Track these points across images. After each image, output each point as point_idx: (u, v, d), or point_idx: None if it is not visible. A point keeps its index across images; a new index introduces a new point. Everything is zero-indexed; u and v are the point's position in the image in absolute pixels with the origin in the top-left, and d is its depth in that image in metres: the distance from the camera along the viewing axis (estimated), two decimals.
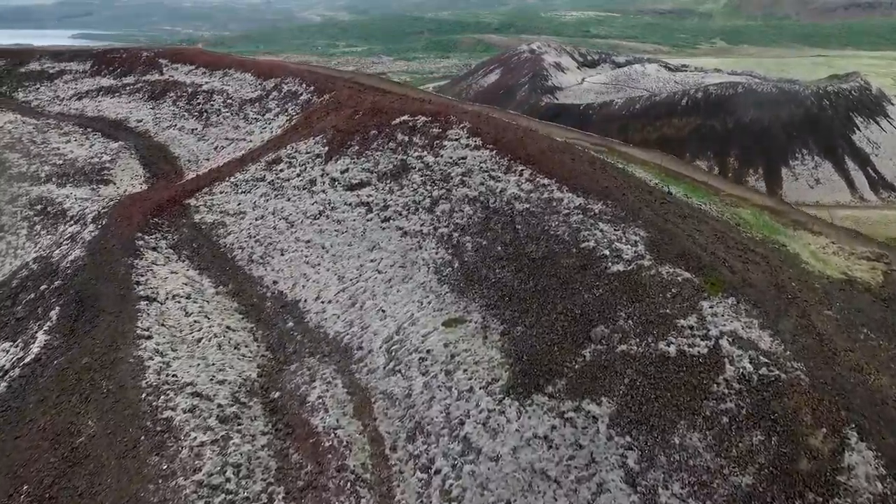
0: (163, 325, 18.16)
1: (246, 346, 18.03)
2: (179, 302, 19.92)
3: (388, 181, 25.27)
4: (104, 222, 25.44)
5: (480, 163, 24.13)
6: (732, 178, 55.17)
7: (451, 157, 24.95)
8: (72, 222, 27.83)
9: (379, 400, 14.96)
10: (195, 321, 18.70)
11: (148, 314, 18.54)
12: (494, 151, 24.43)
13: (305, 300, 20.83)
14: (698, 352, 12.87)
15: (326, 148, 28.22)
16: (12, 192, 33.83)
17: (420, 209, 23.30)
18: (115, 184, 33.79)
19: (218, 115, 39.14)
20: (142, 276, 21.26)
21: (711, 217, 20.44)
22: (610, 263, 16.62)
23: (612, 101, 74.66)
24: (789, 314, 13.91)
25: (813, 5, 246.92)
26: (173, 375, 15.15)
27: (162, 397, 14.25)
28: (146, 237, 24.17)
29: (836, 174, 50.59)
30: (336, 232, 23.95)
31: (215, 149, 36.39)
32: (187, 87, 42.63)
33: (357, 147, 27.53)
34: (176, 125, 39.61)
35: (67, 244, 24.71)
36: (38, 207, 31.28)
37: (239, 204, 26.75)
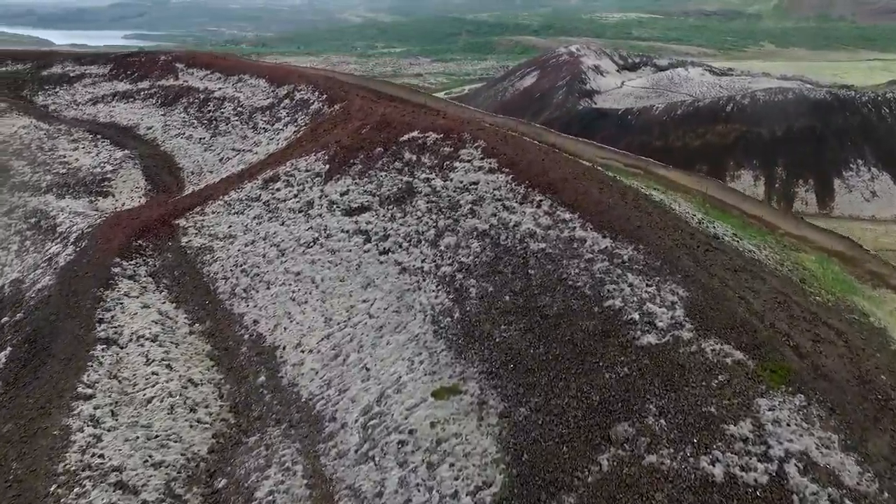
0: (114, 377, 15.81)
1: (205, 408, 15.50)
2: (143, 346, 17.57)
3: (391, 206, 22.47)
4: (84, 244, 23.49)
5: (494, 189, 21.08)
6: (780, 190, 50.73)
7: (461, 182, 21.99)
8: (58, 241, 26.05)
9: (344, 499, 12.14)
10: (153, 372, 16.29)
11: (100, 363, 16.23)
12: (511, 176, 21.34)
13: (284, 347, 18.20)
14: (755, 480, 9.58)
15: (327, 166, 25.64)
16: (11, 203, 32.53)
17: (423, 241, 20.42)
18: (114, 196, 32.12)
19: (227, 124, 37.19)
20: (108, 311, 19.05)
21: (768, 270, 16.83)
22: (639, 332, 13.37)
23: (653, 106, 70.82)
24: (882, 427, 10.47)
25: (871, 6, 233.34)
26: (100, 456, 12.72)
27: (75, 490, 11.80)
28: (124, 263, 22.03)
29: None
30: (329, 264, 21.29)
31: (220, 160, 34.38)
32: (199, 94, 40.92)
33: (360, 166, 24.86)
34: (184, 133, 37.86)
35: (43, 268, 22.84)
36: (32, 221, 29.75)
37: (230, 226, 24.43)
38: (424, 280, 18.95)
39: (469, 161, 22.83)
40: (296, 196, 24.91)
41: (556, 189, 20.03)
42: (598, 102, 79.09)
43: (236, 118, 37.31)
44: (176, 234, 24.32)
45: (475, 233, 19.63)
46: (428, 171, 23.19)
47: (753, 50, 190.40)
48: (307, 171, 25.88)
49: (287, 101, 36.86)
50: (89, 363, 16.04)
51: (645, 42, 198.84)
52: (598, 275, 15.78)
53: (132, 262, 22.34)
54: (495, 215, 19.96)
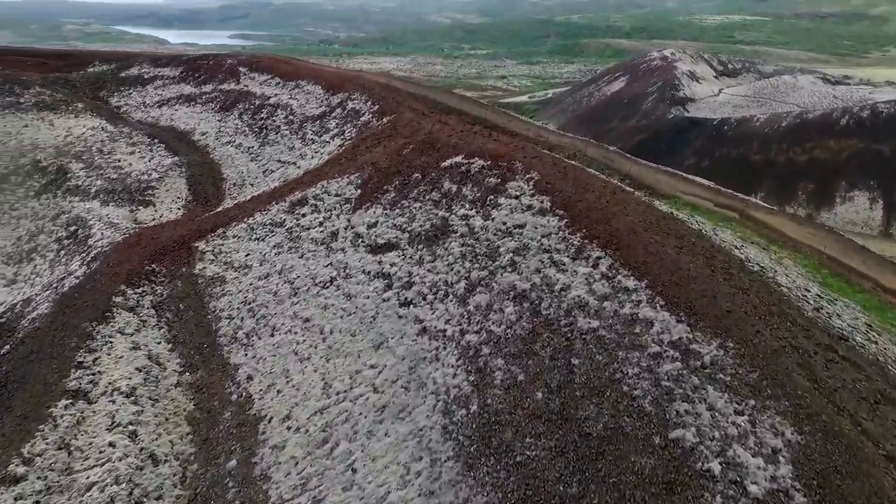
0: (64, 447, 13.50)
1: (156, 501, 12.78)
2: (114, 402, 15.24)
3: (421, 247, 19.03)
4: (96, 266, 21.91)
5: (542, 237, 17.08)
6: None
7: (504, 223, 18.14)
8: (81, 255, 24.89)
9: None
10: (111, 443, 13.84)
11: (55, 426, 14.00)
12: (564, 221, 17.23)
13: (271, 419, 15.23)
14: None
15: (359, 191, 22.63)
16: (60, 208, 32.32)
17: (450, 296, 16.81)
18: (154, 206, 31.00)
19: (276, 133, 35.37)
20: (93, 352, 17.00)
21: None
22: (719, 497, 9.04)
23: (753, 116, 63.85)
24: None
25: None
26: None
27: None
28: (129, 291, 20.11)
29: None
30: (343, 312, 18.19)
31: (264, 172, 32.50)
32: (256, 99, 39.57)
33: (394, 194, 21.61)
34: (234, 141, 36.49)
35: (51, 290, 21.45)
36: (72, 229, 29.11)
37: (247, 255, 22.01)
38: (445, 349, 15.34)
39: (517, 197, 18.93)
40: (321, 224, 22.08)
41: (619, 243, 15.72)
42: (690, 111, 72.85)
43: (286, 127, 35.41)
44: (192, 259, 22.24)
45: (512, 293, 15.75)
46: (468, 205, 19.52)
47: (876, 56, 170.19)
48: (337, 195, 23.01)
49: (339, 110, 34.46)
50: (42, 425, 13.86)
51: (749, 46, 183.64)
52: (666, 382, 11.47)
53: (138, 291, 20.40)
54: (540, 272, 15.97)
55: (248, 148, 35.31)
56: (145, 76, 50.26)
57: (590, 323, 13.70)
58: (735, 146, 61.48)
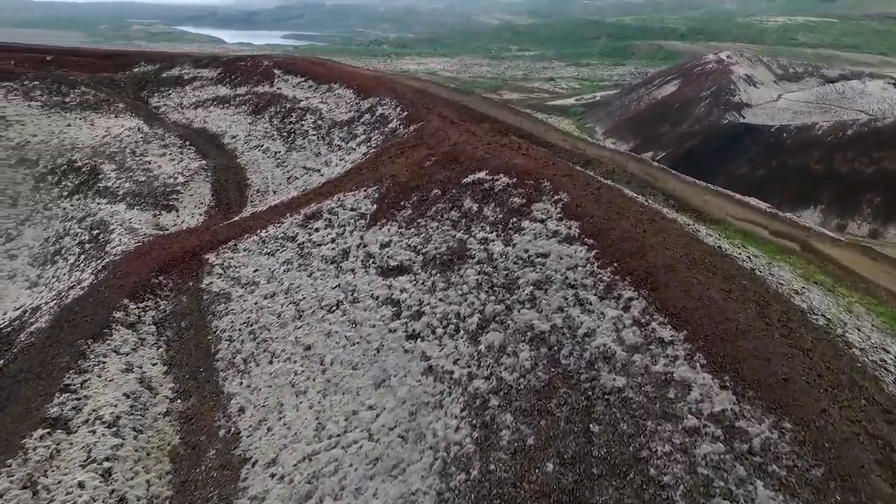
0: (31, 485, 12.50)
1: None
2: (95, 432, 14.24)
3: (434, 272, 17.36)
4: (103, 276, 21.24)
5: (567, 269, 15.11)
6: None
7: (526, 250, 16.25)
8: (96, 262, 24.42)
9: None
10: (80, 483, 12.76)
11: (25, 459, 13.05)
12: (594, 252, 15.20)
13: (255, 463, 13.87)
14: None
15: (375, 206, 21.15)
16: (88, 209, 32.31)
17: (461, 332, 15.07)
18: (177, 211, 30.49)
19: (304, 138, 34.43)
20: (83, 373, 16.12)
21: None
22: None
23: (815, 124, 60.12)
24: None
25: None
26: None
27: None
28: (131, 306, 19.27)
29: None
30: (346, 341, 16.72)
31: (288, 179, 31.56)
32: (287, 103, 38.84)
33: (411, 211, 20.01)
34: (262, 145, 35.79)
35: (57, 299, 20.88)
36: (95, 233, 28.89)
37: (255, 270, 20.86)
38: (450, 394, 13.62)
39: (542, 221, 16.99)
40: (333, 241, 20.71)
41: (656, 282, 13.59)
42: (746, 116, 69.31)
43: (314, 132, 34.41)
44: (201, 272, 21.28)
45: (529, 334, 13.87)
46: (488, 228, 17.71)
47: None
48: (352, 209, 21.60)
49: (367, 115, 33.20)
50: (11, 459, 12.93)
51: (812, 49, 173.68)
52: (704, 469, 9.38)
53: (141, 305, 19.55)
54: (562, 311, 14.02)
55: (275, 153, 34.51)
56: (185, 77, 50.56)
57: (615, 380, 11.69)
58: (794, 155, 57.71)
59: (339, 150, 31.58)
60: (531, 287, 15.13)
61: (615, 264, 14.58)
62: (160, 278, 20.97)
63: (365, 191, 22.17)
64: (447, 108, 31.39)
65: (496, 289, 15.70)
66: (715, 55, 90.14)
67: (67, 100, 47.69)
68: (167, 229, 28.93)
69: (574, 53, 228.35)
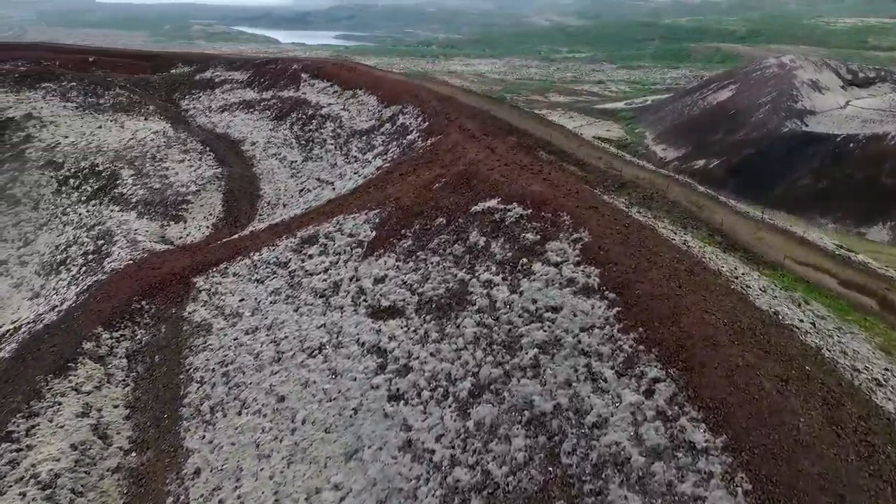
0: None
1: None
2: (26, 495, 12.50)
3: (429, 318, 14.93)
4: (83, 299, 19.82)
5: (581, 330, 12.38)
6: None
7: (534, 300, 13.61)
8: (90, 276, 23.17)
9: None
10: None
11: None
12: (616, 310, 12.41)
13: None
14: None
15: (374, 233, 18.87)
16: (100, 217, 31.49)
17: (449, 398, 12.60)
18: (185, 222, 29.21)
19: (322, 147, 32.63)
20: (33, 416, 14.53)
21: None
22: None
23: (888, 133, 55.01)
24: None
25: None
26: None
27: None
28: (105, 335, 17.69)
29: None
30: (324, 395, 14.51)
31: (300, 191, 29.78)
32: (309, 109, 37.20)
33: (411, 241, 17.64)
34: (280, 153, 34.23)
35: (31, 324, 19.57)
36: (100, 244, 27.88)
37: (242, 300, 18.96)
38: (427, 483, 11.18)
39: (557, 265, 14.28)
40: (325, 271, 18.56)
41: (689, 360, 10.72)
42: (809, 125, 64.25)
43: (332, 141, 32.56)
44: (186, 298, 19.57)
45: (527, 414, 11.26)
46: (494, 268, 15.14)
47: None
48: (350, 235, 19.40)
49: (388, 125, 31.07)
50: None
51: (885, 53, 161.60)
52: None
53: (116, 335, 17.94)
54: (570, 386, 11.34)
55: (291, 162, 32.85)
56: (216, 80, 49.91)
57: (627, 499, 8.94)
58: (861, 167, 52.77)
59: (356, 161, 29.55)
60: (536, 349, 12.49)
61: (640, 329, 11.77)
62: (143, 303, 19.37)
63: (366, 214, 19.94)
64: (472, 118, 28.85)
65: (495, 347, 13.13)
66: (776, 59, 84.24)
67: (101, 101, 47.77)
68: (172, 242, 27.63)
69: (625, 55, 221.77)
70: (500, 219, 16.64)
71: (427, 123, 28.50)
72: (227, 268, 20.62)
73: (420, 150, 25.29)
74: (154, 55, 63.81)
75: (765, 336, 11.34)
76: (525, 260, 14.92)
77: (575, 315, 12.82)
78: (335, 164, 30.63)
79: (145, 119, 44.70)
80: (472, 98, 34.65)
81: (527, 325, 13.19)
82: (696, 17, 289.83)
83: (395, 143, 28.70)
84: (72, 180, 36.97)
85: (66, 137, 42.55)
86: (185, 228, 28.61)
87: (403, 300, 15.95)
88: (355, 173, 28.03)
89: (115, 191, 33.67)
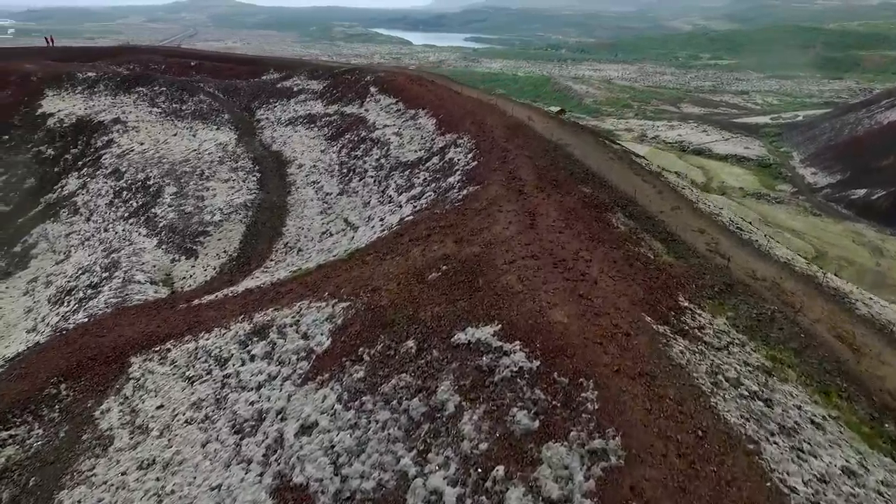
0: None
1: None
2: None
3: None
4: (14, 373, 16.38)
5: None
6: None
7: None
8: (56, 324, 20.09)
9: None
10: None
11: None
12: None
13: None
14: None
15: (329, 341, 13.20)
16: (124, 240, 29.25)
17: None
18: (196, 258, 25.81)
19: (360, 179, 27.72)
20: None
21: None
22: None
23: None
24: None
25: None
26: None
27: None
28: None
29: None
30: None
31: (321, 235, 25.04)
32: (363, 129, 32.57)
33: (363, 373, 11.71)
34: (318, 182, 29.89)
35: None
36: (104, 276, 25.26)
37: (159, 408, 14.28)
38: None
39: (561, 483, 7.63)
40: (258, 389, 13.26)
41: None
42: None
43: (373, 173, 27.51)
44: (110, 388, 15.40)
45: None
46: (454, 469, 8.80)
47: None
48: (304, 337, 13.93)
49: (436, 159, 25.33)
50: None
51: None
52: None
53: (5, 434, 14.11)
54: None
55: (326, 194, 28.31)
56: (294, 89, 47.42)
57: None
58: None
59: (388, 203, 24.17)
60: None
61: None
62: (61, 386, 15.50)
63: (334, 306, 14.33)
64: (536, 157, 22.08)
65: None
66: None
67: (184, 108, 47.31)
68: (173, 283, 24.25)
69: (777, 64, 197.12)
70: (488, 367, 10.17)
71: (475, 163, 22.32)
72: (169, 350, 16.14)
73: (450, 203, 19.21)
74: (252, 60, 63.78)
75: None
76: (502, 472, 8.39)
77: None
78: (368, 202, 25.50)
79: (217, 128, 43.12)
80: (551, 125, 27.74)
81: None
82: (869, 20, 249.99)
83: (433, 185, 22.86)
84: (125, 192, 35.73)
85: (142, 144, 42.03)
86: (192, 267, 25.13)
87: (319, 482, 10.12)
88: (381, 221, 22.62)
89: (153, 210, 31.47)
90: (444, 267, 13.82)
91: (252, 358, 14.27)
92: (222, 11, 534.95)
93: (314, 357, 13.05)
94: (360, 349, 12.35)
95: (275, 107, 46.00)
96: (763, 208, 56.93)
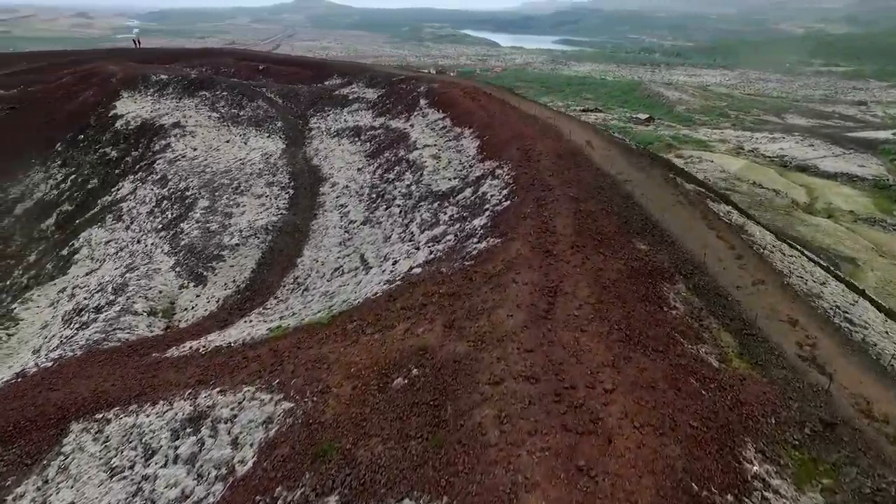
0: None
1: None
2: None
3: None
4: None
5: None
6: None
7: None
8: (60, 350, 18.51)
9: None
10: None
11: None
12: None
13: None
14: None
15: (253, 459, 10.00)
16: (145, 257, 27.95)
17: None
18: (203, 286, 23.81)
19: (387, 209, 24.60)
20: None
21: None
22: None
23: None
24: None
25: None
26: None
27: None
28: None
29: None
30: None
31: (332, 272, 22.13)
32: (402, 149, 29.47)
33: None
34: (345, 206, 27.12)
35: None
36: (110, 300, 23.81)
37: (71, 501, 11.78)
38: None
39: None
40: None
41: None
42: None
43: (401, 201, 24.31)
44: (36, 463, 13.19)
45: None
46: None
47: None
48: (232, 443, 10.86)
49: (469, 191, 21.71)
50: None
51: None
52: None
53: None
54: None
55: (350, 222, 25.47)
56: (349, 97, 45.35)
57: None
58: None
59: (409, 241, 20.84)
60: None
61: None
62: None
63: (276, 405, 11.18)
64: (583, 199, 17.86)
65: None
66: None
67: (241, 113, 46.62)
68: (173, 314, 22.32)
69: None
70: None
71: (507, 203, 18.47)
72: (109, 421, 13.71)
73: (463, 259, 15.54)
74: (317, 64, 62.83)
75: None
76: None
77: None
78: (389, 237, 22.32)
79: (268, 136, 41.87)
80: (613, 153, 23.27)
81: None
82: None
83: (458, 225, 19.26)
84: (165, 202, 34.92)
85: (194, 150, 41.49)
86: (197, 296, 23.15)
87: None
88: (393, 263, 19.31)
89: (182, 224, 30.15)
90: (415, 372, 10.25)
91: (176, 459, 11.40)
92: (320, 13, 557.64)
93: (231, 481, 9.92)
94: (278, 490, 9.06)
95: (328, 115, 44.13)
96: (877, 236, 48.13)
